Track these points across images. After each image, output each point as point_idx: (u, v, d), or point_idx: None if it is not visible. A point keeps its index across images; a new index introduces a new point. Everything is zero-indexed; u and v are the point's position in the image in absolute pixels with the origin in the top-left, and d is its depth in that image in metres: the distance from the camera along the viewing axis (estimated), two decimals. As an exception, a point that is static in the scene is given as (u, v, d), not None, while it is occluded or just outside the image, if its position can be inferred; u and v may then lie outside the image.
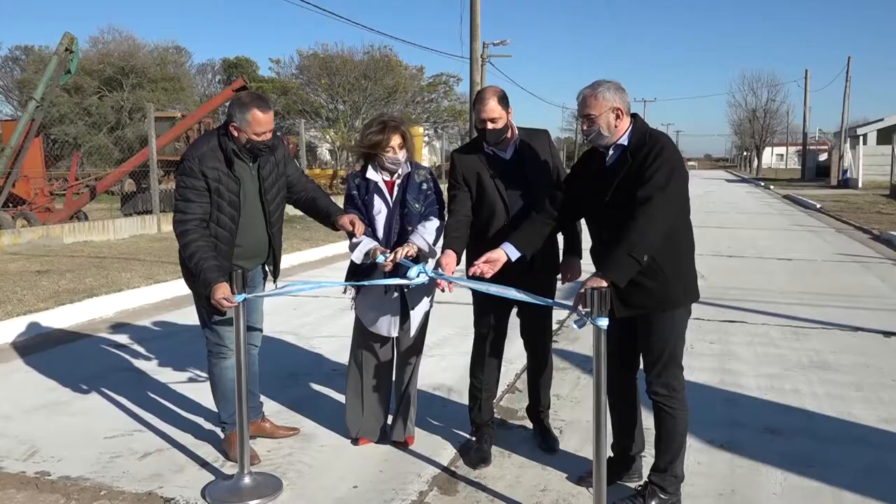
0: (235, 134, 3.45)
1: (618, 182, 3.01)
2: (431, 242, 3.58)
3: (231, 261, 3.54)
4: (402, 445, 3.83)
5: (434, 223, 3.64)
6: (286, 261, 9.23)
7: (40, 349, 5.87)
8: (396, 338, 3.77)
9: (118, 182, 17.64)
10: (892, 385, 4.78)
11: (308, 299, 7.45)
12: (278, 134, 3.72)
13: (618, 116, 3.01)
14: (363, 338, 3.79)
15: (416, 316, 3.70)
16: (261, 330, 3.94)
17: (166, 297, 7.75)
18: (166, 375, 5.09)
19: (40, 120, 14.04)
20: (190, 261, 3.39)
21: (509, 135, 3.57)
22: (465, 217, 3.57)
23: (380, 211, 3.65)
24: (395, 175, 3.67)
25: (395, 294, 3.64)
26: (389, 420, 3.96)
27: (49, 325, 6.48)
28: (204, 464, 3.66)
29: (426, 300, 3.76)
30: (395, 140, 3.56)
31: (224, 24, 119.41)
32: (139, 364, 5.44)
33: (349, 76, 38.02)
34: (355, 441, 3.89)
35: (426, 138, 45.66)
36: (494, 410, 3.98)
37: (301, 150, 19.76)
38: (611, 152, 3.08)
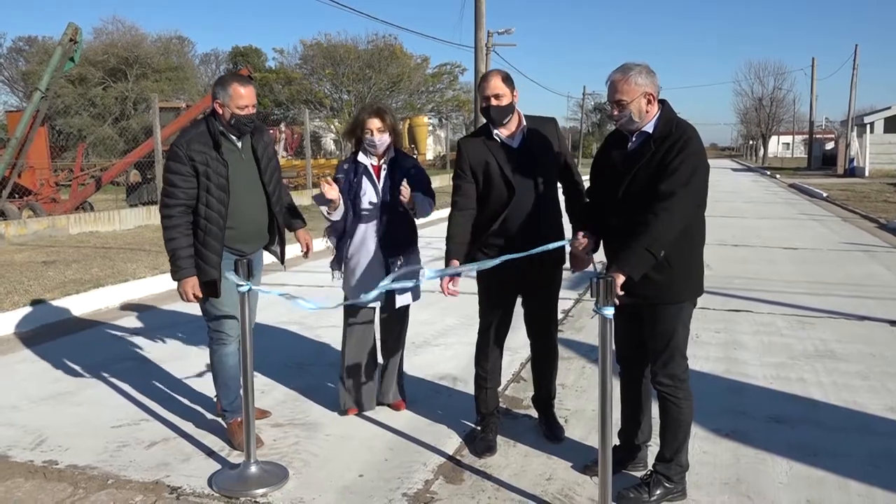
0: (220, 111, 3.56)
1: (637, 170, 2.97)
2: (424, 205, 3.92)
3: (223, 244, 3.60)
4: (397, 408, 4.15)
5: (428, 199, 3.97)
6: (290, 251, 9.18)
7: (47, 339, 5.89)
8: (382, 315, 4.08)
9: (123, 173, 17.64)
10: (899, 374, 4.77)
11: (314, 289, 7.46)
12: (260, 123, 3.85)
13: (649, 101, 2.97)
14: (349, 316, 4.06)
15: (400, 294, 3.98)
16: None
17: (172, 286, 7.73)
18: (172, 365, 5.10)
19: (45, 111, 14.05)
20: (168, 245, 3.55)
21: (516, 122, 3.55)
22: (470, 212, 3.55)
23: (365, 192, 3.94)
24: (382, 160, 3.95)
25: (382, 269, 3.92)
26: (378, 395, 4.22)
27: (55, 316, 6.51)
28: (210, 453, 3.68)
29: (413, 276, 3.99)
30: (374, 123, 3.86)
31: (227, 14, 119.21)
32: (145, 353, 5.46)
33: (353, 66, 37.94)
34: (343, 412, 4.12)
35: (431, 128, 45.55)
36: (500, 399, 3.99)
37: (305, 139, 19.76)
38: (633, 138, 3.04)
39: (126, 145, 27.44)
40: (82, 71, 33.20)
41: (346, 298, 4.04)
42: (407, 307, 4.18)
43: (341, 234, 4.02)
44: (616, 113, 3.01)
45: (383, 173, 3.93)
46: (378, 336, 4.20)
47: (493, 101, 3.45)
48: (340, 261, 4.05)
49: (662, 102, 3.03)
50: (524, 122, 3.57)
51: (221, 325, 3.72)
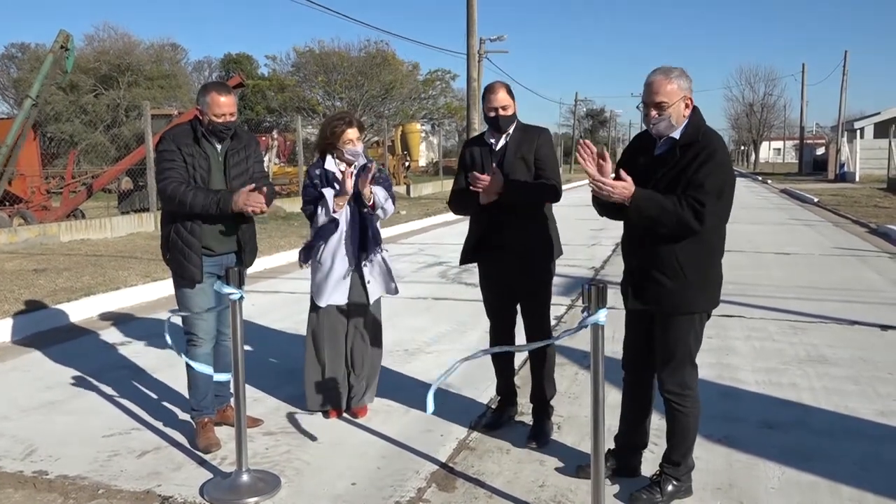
0: (201, 117, 3.73)
1: (661, 176, 2.95)
2: (385, 205, 4.10)
3: (202, 240, 3.72)
4: (356, 415, 4.20)
5: (390, 201, 4.17)
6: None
7: (37, 347, 5.86)
8: (350, 312, 4.16)
9: (115, 180, 17.58)
10: (889, 378, 4.79)
11: (306, 295, 7.45)
12: (246, 129, 3.95)
13: (686, 106, 2.94)
14: (316, 313, 4.17)
15: (373, 288, 4.15)
16: None
17: (163, 294, 7.73)
18: (164, 373, 5.08)
19: (35, 118, 14.00)
20: (196, 206, 3.60)
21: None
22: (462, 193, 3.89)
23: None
24: (353, 166, 4.06)
25: (352, 269, 4.09)
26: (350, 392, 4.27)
27: (46, 324, 6.47)
28: (202, 462, 3.66)
29: (383, 275, 4.19)
30: (354, 133, 4.05)
31: (220, 22, 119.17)
32: (137, 362, 5.43)
33: (346, 73, 37.97)
34: (326, 414, 4.20)
35: (423, 135, 45.58)
36: (498, 397, 4.18)
37: (298, 146, 19.74)
38: (660, 142, 3.01)
39: (118, 152, 27.28)
40: (74, 78, 33.04)
41: (312, 300, 4.19)
42: (378, 308, 4.29)
43: (320, 235, 4.10)
44: (655, 115, 2.92)
45: (353, 179, 4.05)
46: (349, 337, 4.24)
47: (501, 112, 3.73)
48: (309, 253, 4.17)
49: (693, 109, 2.99)
50: (511, 129, 3.82)
51: (193, 327, 3.83)
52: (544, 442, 3.80)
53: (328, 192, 3.98)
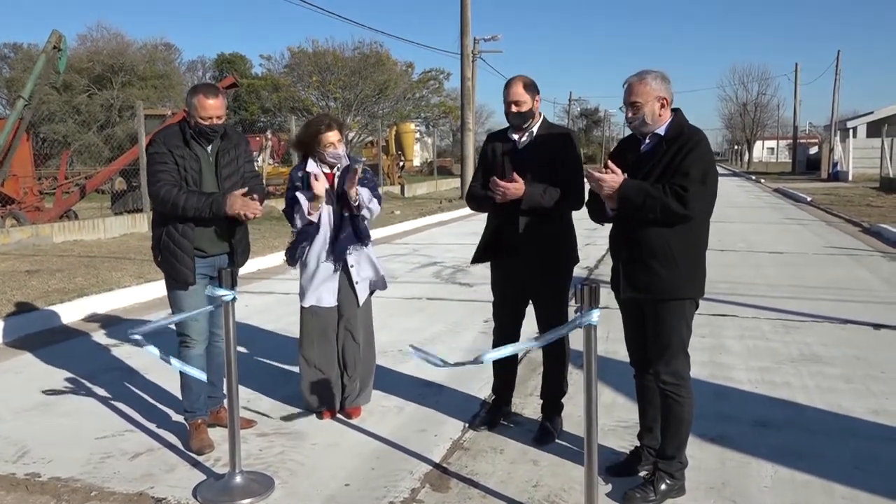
0: (188, 119, 3.73)
1: (648, 170, 3.10)
2: (370, 205, 4.09)
3: (193, 242, 3.72)
4: (349, 415, 4.18)
5: (375, 201, 4.14)
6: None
7: (30, 349, 5.83)
8: (340, 314, 4.14)
9: (108, 180, 17.54)
10: (882, 377, 4.81)
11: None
12: (240, 129, 3.93)
13: (662, 106, 3.12)
14: (307, 314, 4.15)
15: (362, 289, 4.15)
16: None
17: (157, 295, 7.71)
18: (157, 374, 5.06)
19: (29, 118, 13.94)
20: (189, 210, 3.61)
21: (535, 125, 3.78)
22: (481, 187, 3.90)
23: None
24: (335, 168, 4.08)
25: (337, 270, 4.08)
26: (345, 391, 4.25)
27: (39, 325, 6.44)
28: (195, 463, 3.65)
29: (372, 276, 4.20)
30: (333, 136, 4.01)
31: (214, 21, 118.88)
32: (130, 363, 5.42)
33: (340, 73, 37.89)
34: (320, 415, 4.18)
35: (417, 135, 45.53)
36: (493, 396, 4.18)
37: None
38: (647, 140, 3.18)
39: (111, 153, 27.23)
40: (67, 78, 32.88)
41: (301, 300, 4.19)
42: (368, 309, 4.28)
43: (302, 236, 4.11)
44: (630, 115, 3.15)
45: (336, 181, 4.06)
46: (339, 338, 4.22)
47: (514, 108, 3.70)
48: (294, 256, 4.16)
49: (676, 111, 3.17)
50: (533, 127, 3.78)
51: (186, 328, 3.82)
52: (555, 437, 3.82)
53: (301, 196, 3.97)
